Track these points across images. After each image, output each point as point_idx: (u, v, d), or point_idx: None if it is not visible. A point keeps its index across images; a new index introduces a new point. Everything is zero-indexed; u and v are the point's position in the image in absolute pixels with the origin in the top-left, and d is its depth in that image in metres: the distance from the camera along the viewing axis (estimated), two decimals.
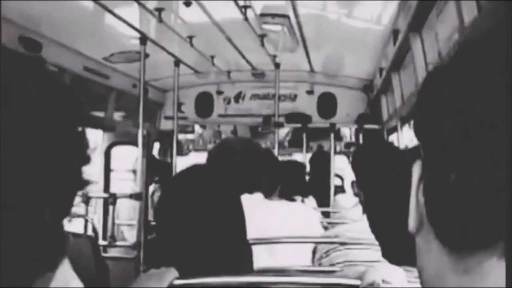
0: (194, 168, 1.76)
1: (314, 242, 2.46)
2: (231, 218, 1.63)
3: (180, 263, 1.51)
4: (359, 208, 2.81)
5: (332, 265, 2.22)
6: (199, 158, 3.86)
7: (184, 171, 1.75)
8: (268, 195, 2.88)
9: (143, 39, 4.20)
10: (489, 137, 0.54)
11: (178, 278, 1.38)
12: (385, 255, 1.64)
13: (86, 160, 0.79)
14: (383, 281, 1.28)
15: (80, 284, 2.13)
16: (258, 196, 2.69)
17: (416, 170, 0.61)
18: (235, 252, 1.63)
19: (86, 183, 0.80)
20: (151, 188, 6.04)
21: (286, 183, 3.98)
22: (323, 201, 5.17)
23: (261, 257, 2.38)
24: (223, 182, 1.69)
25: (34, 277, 0.74)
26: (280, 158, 4.93)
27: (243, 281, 1.41)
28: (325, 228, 3.31)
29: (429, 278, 0.62)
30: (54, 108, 0.73)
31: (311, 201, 4.91)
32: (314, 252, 2.48)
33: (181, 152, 5.72)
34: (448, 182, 0.55)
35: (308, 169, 5.80)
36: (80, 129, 0.78)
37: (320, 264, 2.30)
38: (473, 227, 0.54)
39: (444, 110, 0.57)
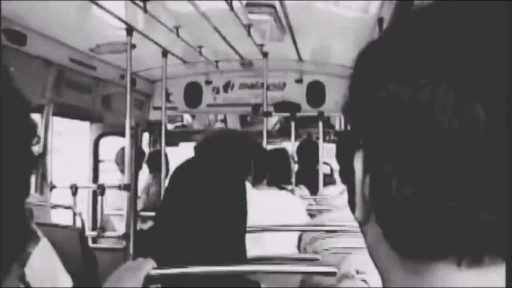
0: (192, 162, 1.78)
1: (298, 231, 2.47)
2: (233, 208, 1.64)
3: (181, 252, 1.52)
4: (345, 196, 2.83)
5: (316, 252, 2.24)
6: (189, 148, 3.86)
7: (183, 165, 1.77)
8: (255, 184, 2.89)
9: (129, 30, 4.18)
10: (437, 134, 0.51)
11: (155, 268, 1.39)
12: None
13: (33, 136, 0.79)
14: (357, 271, 1.30)
15: (67, 277, 2.13)
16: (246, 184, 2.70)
17: (358, 163, 0.59)
18: (235, 241, 1.64)
19: (36, 158, 0.81)
20: (147, 180, 6.04)
21: (273, 172, 4.00)
22: (312, 189, 5.19)
23: (247, 245, 2.39)
24: (221, 172, 1.70)
25: (5, 261, 0.74)
26: (269, 147, 4.95)
27: (224, 271, 1.43)
28: (312, 216, 3.33)
29: (381, 271, 0.61)
30: None
31: (303, 190, 4.92)
32: (299, 240, 2.50)
33: (170, 142, 5.70)
34: (391, 186, 0.54)
35: (296, 157, 5.81)
36: (24, 108, 0.79)
37: (305, 252, 2.32)
38: (422, 237, 0.53)
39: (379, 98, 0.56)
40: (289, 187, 4.48)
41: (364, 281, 1.29)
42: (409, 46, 0.56)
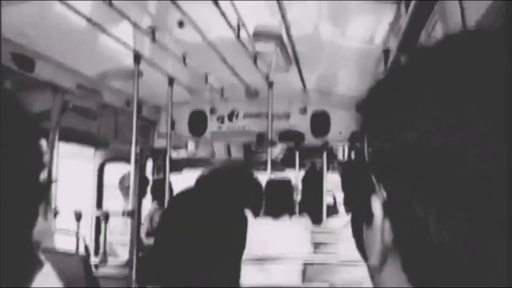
0: (193, 190, 1.78)
1: (307, 264, 2.46)
2: (229, 237, 1.64)
3: (176, 279, 1.52)
4: (349, 228, 2.82)
5: (323, 283, 2.22)
6: (192, 175, 3.87)
7: (184, 192, 1.77)
8: (255, 215, 2.90)
9: (137, 57, 4.22)
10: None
11: None
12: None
13: (42, 167, 0.80)
14: None
15: None
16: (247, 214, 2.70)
17: (377, 207, 0.57)
18: (229, 268, 1.64)
19: (46, 188, 0.81)
20: (151, 207, 6.03)
21: (273, 202, 4.00)
22: (315, 219, 5.17)
23: (252, 275, 2.38)
24: (221, 201, 1.70)
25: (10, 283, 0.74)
26: (273, 176, 4.94)
27: None
28: (316, 247, 3.31)
29: None
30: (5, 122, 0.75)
31: (305, 219, 4.90)
32: (304, 269, 2.49)
33: (174, 169, 5.70)
34: (427, 232, 0.52)
35: (300, 187, 5.81)
36: (34, 138, 0.79)
37: (311, 282, 2.31)
38: (453, 280, 0.52)
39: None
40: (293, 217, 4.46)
41: None
42: (436, 78, 0.55)
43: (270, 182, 4.36)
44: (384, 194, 0.56)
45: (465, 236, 0.51)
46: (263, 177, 4.34)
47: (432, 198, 0.52)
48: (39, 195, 0.80)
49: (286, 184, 4.47)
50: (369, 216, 0.59)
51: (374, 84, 0.61)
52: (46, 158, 0.84)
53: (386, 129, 0.56)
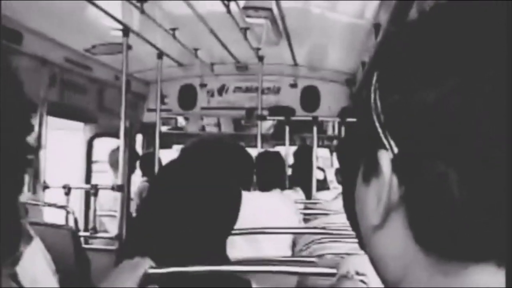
0: (180, 162, 1.77)
1: (295, 233, 2.46)
2: (217, 210, 1.64)
3: (157, 253, 1.51)
4: (340, 200, 2.83)
5: (313, 257, 2.23)
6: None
7: (167, 165, 1.76)
8: (245, 188, 2.89)
9: (126, 30, 4.18)
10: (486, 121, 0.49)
11: (152, 268, 1.39)
12: (362, 246, 1.65)
13: (30, 129, 0.79)
14: (357, 273, 1.29)
15: (54, 280, 2.08)
16: None
17: (386, 162, 0.55)
18: (215, 243, 1.64)
19: (32, 153, 0.80)
20: (141, 183, 6.02)
21: (264, 175, 4.00)
22: (307, 194, 5.19)
23: (241, 248, 2.39)
24: (213, 175, 1.70)
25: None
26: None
27: (220, 270, 1.42)
28: (306, 220, 3.32)
29: (394, 275, 0.59)
30: None
31: (299, 192, 4.91)
32: (293, 243, 2.49)
33: (164, 144, 5.69)
34: (448, 189, 0.51)
35: (292, 162, 5.81)
36: (20, 100, 0.78)
37: (300, 256, 2.31)
38: (466, 239, 0.52)
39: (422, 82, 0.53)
40: (285, 191, 4.47)
41: (363, 282, 1.29)
42: (465, 36, 0.53)
43: (261, 155, 4.36)
44: (396, 149, 0.55)
45: (486, 195, 0.50)
46: (253, 152, 4.34)
47: (454, 155, 0.51)
48: (26, 160, 0.79)
49: (277, 157, 4.48)
50: (370, 173, 0.58)
51: (400, 32, 0.59)
52: (34, 125, 0.83)
53: (408, 84, 0.54)
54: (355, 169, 0.63)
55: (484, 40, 0.52)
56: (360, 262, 1.33)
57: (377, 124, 0.57)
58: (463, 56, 0.52)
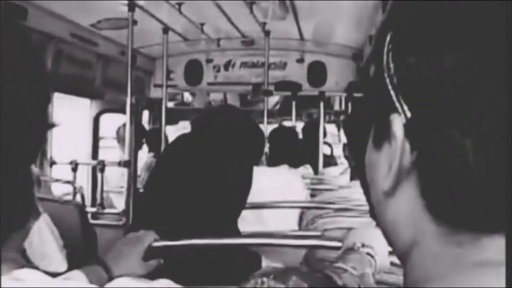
0: (185, 138, 1.75)
1: (303, 207, 2.46)
2: (227, 186, 1.63)
3: (165, 228, 1.51)
4: (347, 175, 2.84)
5: (320, 231, 2.23)
6: (188, 126, 3.85)
7: (176, 140, 1.75)
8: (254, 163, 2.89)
9: (131, 5, 4.15)
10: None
11: (156, 240, 1.38)
12: (373, 215, 1.64)
13: (47, 100, 0.78)
14: (363, 245, 1.29)
15: (61, 256, 2.08)
16: None
17: (399, 127, 0.54)
18: (226, 217, 1.63)
19: (50, 125, 0.79)
20: (148, 158, 6.03)
21: (273, 151, 3.99)
22: (314, 169, 5.18)
23: (248, 222, 2.39)
24: (216, 148, 1.69)
25: (5, 227, 0.73)
26: (270, 126, 4.93)
27: (228, 243, 1.42)
28: (313, 195, 3.32)
29: (403, 244, 0.58)
30: (14, 52, 0.73)
31: (308, 169, 4.91)
32: (300, 218, 2.49)
33: (170, 120, 5.69)
34: (465, 158, 0.50)
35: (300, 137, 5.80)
36: (39, 69, 0.77)
37: (307, 230, 2.31)
38: (479, 210, 0.51)
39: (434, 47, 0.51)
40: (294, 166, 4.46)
41: (370, 254, 1.29)
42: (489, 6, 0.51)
43: (275, 130, 4.35)
44: (409, 113, 0.53)
45: (502, 166, 0.49)
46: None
47: (470, 123, 0.50)
48: (41, 130, 0.78)
49: (291, 133, 4.47)
50: (382, 138, 0.56)
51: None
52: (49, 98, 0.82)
53: (426, 46, 0.53)
54: (365, 137, 0.62)
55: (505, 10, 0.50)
56: (367, 235, 1.32)
57: (389, 87, 0.55)
58: (485, 23, 0.51)
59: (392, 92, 0.55)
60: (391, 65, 0.55)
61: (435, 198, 0.54)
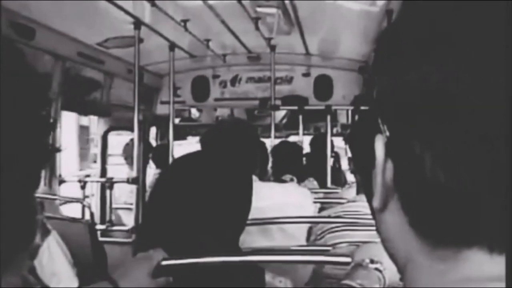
0: (191, 155, 1.77)
1: (309, 222, 2.46)
2: (232, 201, 1.64)
3: (172, 244, 1.52)
4: (354, 188, 2.84)
5: (327, 246, 2.22)
6: (195, 142, 3.87)
7: (181, 157, 1.77)
8: (261, 177, 2.90)
9: (137, 23, 4.18)
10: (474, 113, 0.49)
11: (165, 259, 1.39)
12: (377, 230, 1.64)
13: (49, 129, 0.79)
14: (372, 261, 1.29)
15: (71, 273, 2.09)
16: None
17: (380, 146, 0.56)
18: (229, 234, 1.64)
19: (51, 152, 0.80)
20: (155, 175, 6.05)
21: (279, 165, 4.00)
22: (322, 183, 5.17)
23: (256, 238, 2.39)
24: (223, 166, 1.70)
25: (7, 251, 0.73)
26: (278, 140, 4.94)
27: (236, 261, 1.42)
28: (321, 209, 3.32)
29: (399, 259, 0.59)
30: (14, 82, 0.73)
31: (312, 183, 4.91)
32: (309, 233, 2.49)
33: (178, 136, 5.71)
34: (423, 170, 0.52)
35: (308, 151, 5.80)
36: (42, 100, 0.78)
37: (315, 245, 2.31)
38: (454, 224, 0.52)
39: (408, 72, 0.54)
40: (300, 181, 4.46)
41: (379, 270, 1.29)
42: (442, 23, 0.54)
43: (279, 145, 4.36)
44: (388, 133, 0.56)
45: (462, 177, 0.50)
46: (267, 142, 4.34)
47: (430, 137, 0.52)
48: (43, 158, 0.79)
49: (295, 148, 4.48)
50: (373, 157, 0.58)
51: (391, 23, 0.60)
52: (52, 123, 0.83)
53: (393, 68, 0.56)
54: (368, 151, 0.64)
55: (461, 28, 0.53)
56: (375, 250, 1.32)
57: (374, 107, 0.58)
58: (443, 42, 0.53)
59: (375, 112, 0.58)
60: (375, 86, 0.58)
61: (413, 214, 0.55)
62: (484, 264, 0.52)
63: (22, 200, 0.75)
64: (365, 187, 0.66)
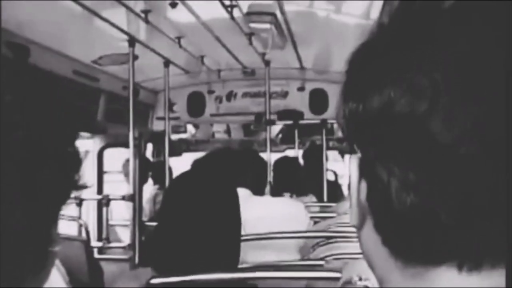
0: (189, 173, 1.81)
1: (299, 237, 2.47)
2: (226, 216, 1.66)
3: (178, 261, 1.53)
4: (348, 202, 2.83)
5: (319, 259, 2.23)
6: (192, 158, 3.88)
7: (181, 176, 1.80)
8: (257, 193, 2.91)
9: (132, 41, 4.20)
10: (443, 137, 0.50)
11: (154, 277, 1.40)
12: None
13: (78, 165, 0.78)
14: (360, 278, 1.29)
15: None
16: (244, 192, 2.71)
17: (354, 167, 0.58)
18: (228, 247, 1.65)
19: (79, 187, 0.79)
20: (153, 191, 6.05)
21: (277, 181, 4.01)
22: (319, 197, 5.15)
23: (251, 252, 2.39)
24: (215, 182, 1.72)
25: (18, 284, 0.73)
26: (274, 155, 4.95)
27: (227, 278, 1.43)
28: (316, 222, 3.32)
29: (377, 275, 0.61)
30: (43, 112, 0.73)
31: (312, 199, 4.89)
32: (302, 246, 2.50)
33: (174, 152, 5.71)
34: (389, 194, 0.52)
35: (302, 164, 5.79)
36: (71, 133, 0.78)
37: (307, 258, 2.32)
38: (422, 244, 0.53)
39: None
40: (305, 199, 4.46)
41: (367, 287, 1.29)
42: (405, 47, 0.55)
43: (278, 161, 4.37)
44: (360, 155, 0.57)
45: (428, 202, 0.51)
46: (264, 156, 4.34)
47: (394, 163, 0.52)
48: (67, 192, 0.78)
49: (293, 162, 4.50)
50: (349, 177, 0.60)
51: (356, 47, 0.62)
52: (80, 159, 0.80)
53: (359, 92, 0.57)
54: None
55: (427, 51, 0.53)
56: (364, 267, 1.32)
57: (345, 128, 0.60)
58: (405, 67, 0.54)
59: (348, 135, 0.59)
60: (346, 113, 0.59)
61: (384, 233, 0.56)
62: (453, 282, 0.53)
63: (41, 233, 0.74)
64: (350, 203, 0.67)
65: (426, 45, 0.54)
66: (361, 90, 0.56)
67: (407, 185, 0.51)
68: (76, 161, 0.77)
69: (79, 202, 4.25)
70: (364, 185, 0.57)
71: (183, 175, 1.83)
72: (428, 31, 0.55)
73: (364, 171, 0.56)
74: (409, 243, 0.54)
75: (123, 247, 4.25)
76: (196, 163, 2.73)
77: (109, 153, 5.85)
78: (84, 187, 0.80)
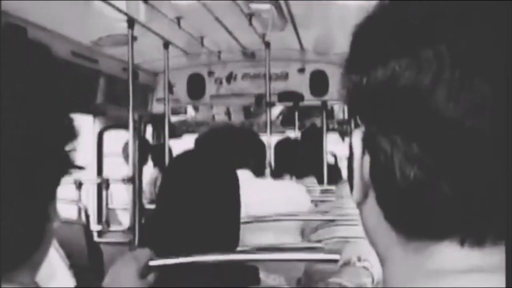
0: (189, 153, 1.79)
1: (300, 220, 2.47)
2: (226, 198, 1.66)
3: (178, 243, 1.53)
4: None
5: (319, 241, 2.23)
6: (192, 140, 3.86)
7: (179, 156, 1.79)
8: (258, 175, 2.90)
9: (131, 21, 4.17)
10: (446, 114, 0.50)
11: (153, 259, 1.40)
12: None
13: (73, 136, 0.78)
14: (359, 259, 1.29)
15: (67, 274, 2.11)
16: (246, 173, 2.70)
17: (357, 141, 0.57)
18: (228, 229, 1.66)
19: (74, 167, 0.79)
20: (153, 173, 6.05)
21: (279, 163, 4.00)
22: (319, 179, 5.14)
23: (251, 235, 2.39)
24: (216, 164, 1.72)
25: (15, 261, 0.73)
26: (274, 137, 4.94)
27: (225, 260, 1.43)
28: (316, 205, 3.32)
29: (379, 251, 0.60)
30: (40, 90, 0.73)
31: (312, 180, 4.88)
32: (302, 228, 2.50)
33: (173, 134, 5.70)
34: (393, 168, 0.53)
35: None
36: (67, 113, 0.78)
37: (308, 241, 2.32)
38: (425, 218, 0.53)
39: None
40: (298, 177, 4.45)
41: (366, 268, 1.29)
42: (411, 20, 0.54)
43: (281, 142, 4.37)
44: (363, 129, 0.57)
45: (431, 174, 0.51)
46: (264, 139, 4.33)
47: (397, 135, 0.52)
48: (63, 168, 0.78)
49: (294, 144, 4.49)
50: (352, 150, 0.60)
51: (361, 20, 0.62)
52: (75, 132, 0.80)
53: (363, 64, 0.56)
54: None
55: (431, 24, 0.53)
56: (363, 248, 1.32)
57: (348, 103, 0.60)
58: (410, 38, 0.53)
59: (351, 109, 0.60)
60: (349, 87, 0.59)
61: (387, 207, 0.56)
62: (455, 257, 0.53)
63: (36, 208, 0.75)
64: (349, 179, 0.67)
65: (431, 17, 0.53)
66: (365, 62, 0.56)
67: (411, 158, 0.51)
68: (71, 133, 0.77)
69: (79, 185, 4.24)
70: (367, 159, 0.56)
71: (182, 155, 1.81)
72: (433, 3, 0.54)
73: (367, 145, 0.56)
74: (412, 217, 0.54)
75: (123, 231, 4.25)
76: (198, 141, 2.72)
77: (108, 135, 5.83)
78: (81, 167, 0.81)
